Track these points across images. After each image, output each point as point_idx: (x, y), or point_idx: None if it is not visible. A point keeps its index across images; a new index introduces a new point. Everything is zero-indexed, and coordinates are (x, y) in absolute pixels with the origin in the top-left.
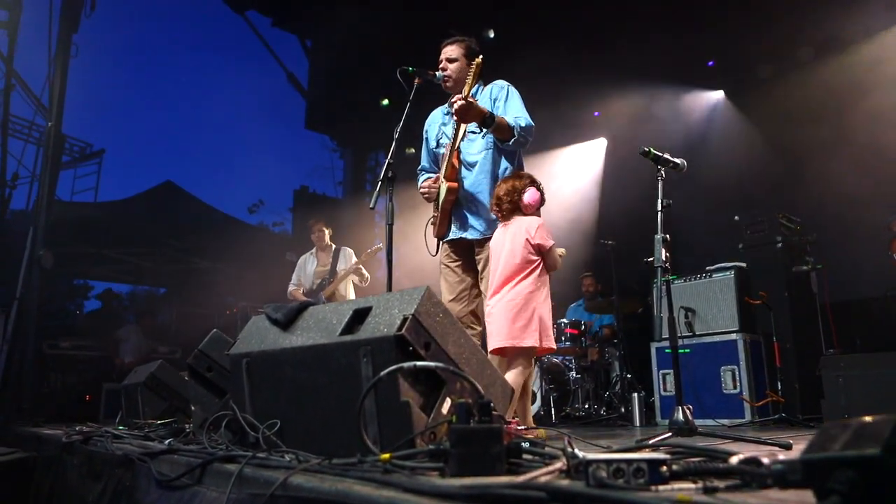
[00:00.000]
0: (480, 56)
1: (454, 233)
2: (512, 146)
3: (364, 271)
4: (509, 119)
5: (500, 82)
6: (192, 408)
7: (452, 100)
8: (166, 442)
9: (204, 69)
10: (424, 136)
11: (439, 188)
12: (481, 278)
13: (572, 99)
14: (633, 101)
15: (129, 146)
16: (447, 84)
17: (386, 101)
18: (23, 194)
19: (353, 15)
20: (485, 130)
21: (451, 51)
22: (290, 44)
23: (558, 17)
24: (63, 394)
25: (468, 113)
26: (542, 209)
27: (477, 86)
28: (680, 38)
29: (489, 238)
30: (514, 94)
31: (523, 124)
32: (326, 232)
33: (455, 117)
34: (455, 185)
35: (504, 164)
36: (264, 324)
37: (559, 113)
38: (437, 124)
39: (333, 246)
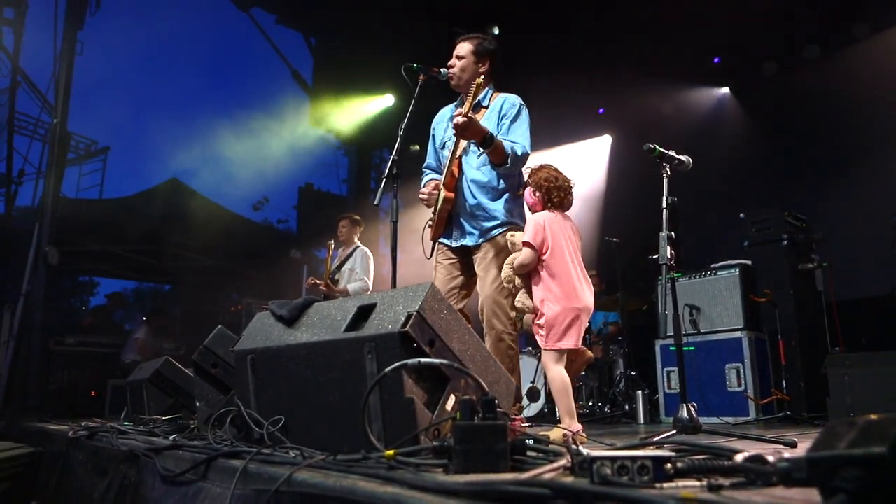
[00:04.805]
0: (486, 64)
1: (455, 240)
2: (500, 171)
3: (366, 279)
4: (507, 143)
5: (514, 99)
6: (197, 404)
7: (455, 112)
8: (171, 438)
9: (209, 66)
10: (431, 132)
11: (438, 195)
12: (478, 276)
13: (577, 96)
14: (638, 97)
15: (134, 143)
16: (452, 82)
17: (391, 99)
18: (28, 191)
19: (358, 12)
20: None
21: (460, 48)
22: (295, 41)
23: (563, 13)
24: (69, 390)
25: (467, 130)
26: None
27: (487, 90)
28: (685, 35)
29: (487, 241)
30: (524, 118)
31: (519, 152)
32: (346, 229)
33: (454, 131)
34: (452, 195)
35: (503, 176)
36: (269, 320)
37: (564, 110)
38: (446, 121)
39: (355, 245)
